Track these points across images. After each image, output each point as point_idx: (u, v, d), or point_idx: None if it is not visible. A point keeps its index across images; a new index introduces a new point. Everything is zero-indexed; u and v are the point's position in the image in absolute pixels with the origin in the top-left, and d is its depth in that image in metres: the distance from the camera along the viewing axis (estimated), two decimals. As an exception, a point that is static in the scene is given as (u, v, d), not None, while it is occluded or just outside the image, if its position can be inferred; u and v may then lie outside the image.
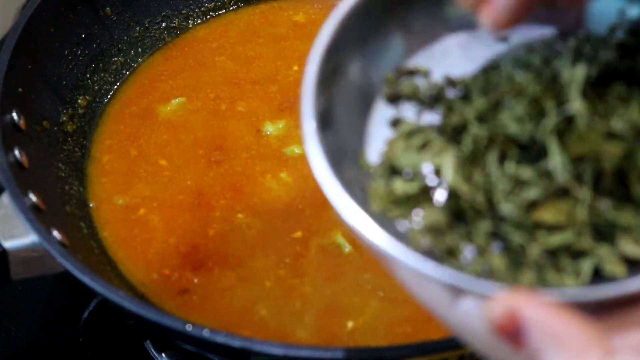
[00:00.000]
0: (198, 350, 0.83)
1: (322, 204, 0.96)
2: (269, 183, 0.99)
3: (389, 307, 0.88)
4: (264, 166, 1.02)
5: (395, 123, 0.57)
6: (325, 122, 0.54)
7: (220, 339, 0.71)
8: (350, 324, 0.86)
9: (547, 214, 0.49)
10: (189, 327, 0.72)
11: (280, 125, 1.07)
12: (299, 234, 0.94)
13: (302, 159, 1.02)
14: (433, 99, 0.57)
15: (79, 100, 1.09)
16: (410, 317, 0.87)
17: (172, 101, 1.11)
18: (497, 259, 0.50)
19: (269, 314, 0.87)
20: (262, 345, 0.71)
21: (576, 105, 0.50)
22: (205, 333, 0.71)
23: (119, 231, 0.96)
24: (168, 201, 0.99)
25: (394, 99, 0.58)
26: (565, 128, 0.50)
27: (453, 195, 0.52)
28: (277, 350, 0.71)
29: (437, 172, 0.53)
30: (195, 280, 0.90)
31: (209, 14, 1.27)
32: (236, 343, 0.71)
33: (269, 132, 1.06)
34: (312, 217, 0.96)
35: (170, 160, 1.03)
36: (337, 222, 0.95)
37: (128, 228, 0.97)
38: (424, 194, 0.53)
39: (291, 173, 1.01)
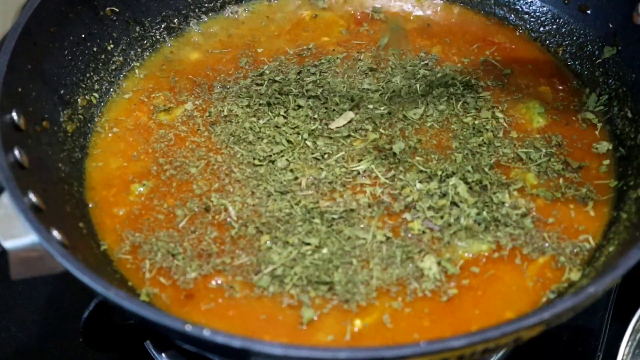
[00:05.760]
0: (198, 350, 0.83)
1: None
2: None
3: (407, 303, 0.89)
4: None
5: None
6: None
7: (220, 339, 0.71)
8: (368, 320, 0.87)
9: None
10: (188, 327, 0.72)
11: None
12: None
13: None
14: None
15: (79, 100, 1.09)
16: (428, 313, 0.88)
17: (174, 108, 1.12)
18: None
19: (286, 318, 0.88)
20: (262, 345, 0.71)
21: None
22: (206, 333, 0.71)
23: (121, 238, 0.97)
24: (169, 210, 0.99)
25: None
26: None
27: None
28: (277, 350, 0.71)
29: None
30: (211, 285, 0.91)
31: (209, 14, 1.27)
32: (236, 343, 0.71)
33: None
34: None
35: (174, 169, 1.03)
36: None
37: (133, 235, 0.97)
38: None
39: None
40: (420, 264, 0.92)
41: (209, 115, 1.10)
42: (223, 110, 1.11)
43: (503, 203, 0.97)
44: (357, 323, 0.87)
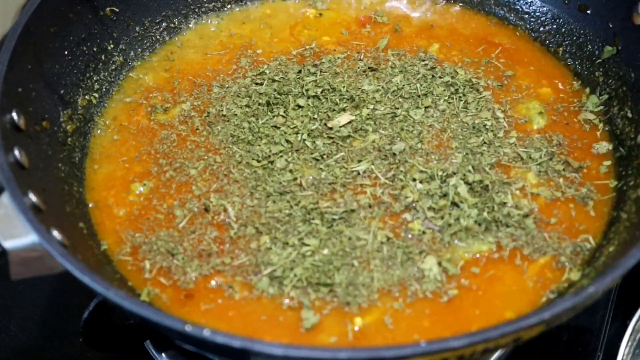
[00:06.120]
0: (198, 350, 0.83)
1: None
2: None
3: (408, 304, 0.89)
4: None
5: None
6: None
7: (220, 339, 0.71)
8: (369, 319, 0.87)
9: None
10: (189, 327, 0.72)
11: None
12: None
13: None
14: None
15: (79, 100, 1.09)
16: (429, 314, 0.88)
17: (171, 108, 1.12)
18: None
19: (287, 319, 0.88)
20: (262, 345, 0.71)
21: None
22: (206, 333, 0.71)
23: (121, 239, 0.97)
24: (169, 211, 0.99)
25: None
26: None
27: None
28: (277, 350, 0.71)
29: None
30: (210, 285, 0.91)
31: (209, 14, 1.27)
32: (236, 343, 0.71)
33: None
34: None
35: (174, 171, 1.03)
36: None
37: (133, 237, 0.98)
38: None
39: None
40: (421, 264, 0.92)
41: (208, 115, 1.10)
42: (222, 110, 1.11)
43: (505, 203, 0.97)
44: (358, 321, 0.87)
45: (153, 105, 1.12)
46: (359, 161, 1.02)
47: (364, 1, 1.29)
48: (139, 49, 1.20)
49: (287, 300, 0.89)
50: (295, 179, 1.01)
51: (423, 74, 1.15)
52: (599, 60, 1.13)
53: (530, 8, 1.23)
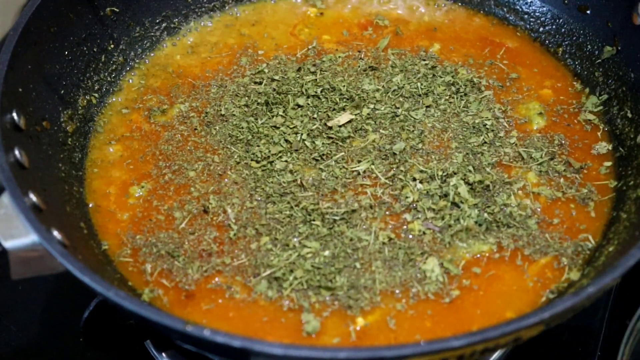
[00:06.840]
0: (198, 350, 0.83)
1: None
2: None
3: (410, 305, 0.89)
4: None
5: None
6: None
7: (220, 338, 0.71)
8: (370, 319, 0.87)
9: None
10: (189, 327, 0.72)
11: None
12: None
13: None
14: None
15: (79, 100, 1.09)
16: (431, 314, 0.88)
17: (169, 109, 1.11)
18: None
19: (288, 320, 0.88)
20: (262, 345, 0.71)
21: None
22: (206, 333, 0.71)
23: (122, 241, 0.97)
24: (168, 212, 0.99)
25: None
26: None
27: None
28: (277, 350, 0.71)
29: None
30: (211, 285, 0.91)
31: (209, 14, 1.27)
32: (236, 343, 0.71)
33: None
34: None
35: (172, 173, 1.03)
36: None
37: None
38: None
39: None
40: (423, 265, 0.91)
41: (206, 115, 1.10)
42: (220, 110, 1.10)
43: (508, 204, 0.97)
44: (360, 321, 0.87)
45: (150, 108, 1.12)
46: (359, 161, 1.02)
47: (365, 5, 1.28)
48: (139, 49, 1.20)
49: (287, 302, 0.89)
50: (295, 179, 1.00)
51: (424, 73, 1.15)
52: (599, 61, 1.13)
53: (530, 8, 1.23)
